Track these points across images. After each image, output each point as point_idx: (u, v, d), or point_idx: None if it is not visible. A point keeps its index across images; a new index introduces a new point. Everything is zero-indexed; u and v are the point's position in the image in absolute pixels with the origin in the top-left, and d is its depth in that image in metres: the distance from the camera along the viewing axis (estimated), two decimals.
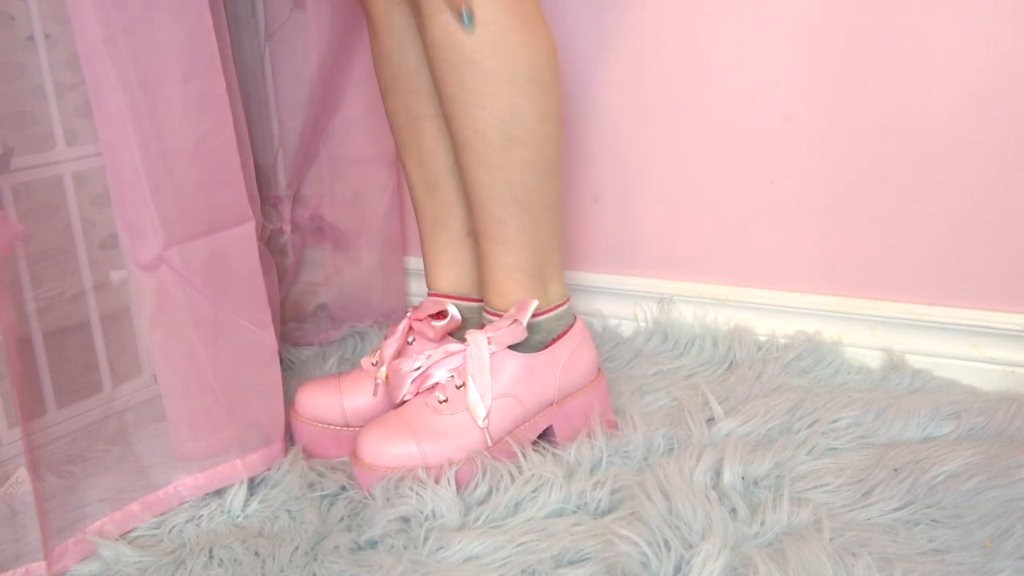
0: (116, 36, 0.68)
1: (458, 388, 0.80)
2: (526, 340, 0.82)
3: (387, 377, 0.86)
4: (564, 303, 0.87)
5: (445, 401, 0.80)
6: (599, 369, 0.89)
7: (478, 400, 0.79)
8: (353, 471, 0.79)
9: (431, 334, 0.88)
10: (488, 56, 0.75)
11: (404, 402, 0.83)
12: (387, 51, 0.87)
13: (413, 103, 0.88)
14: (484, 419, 0.79)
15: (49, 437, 0.80)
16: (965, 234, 0.95)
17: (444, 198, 0.91)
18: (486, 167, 0.79)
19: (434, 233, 0.93)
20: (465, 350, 0.81)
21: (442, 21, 0.74)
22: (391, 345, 0.88)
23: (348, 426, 0.86)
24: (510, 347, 0.81)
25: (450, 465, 0.77)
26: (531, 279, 0.84)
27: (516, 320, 0.81)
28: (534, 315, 0.83)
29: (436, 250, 0.93)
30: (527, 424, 0.82)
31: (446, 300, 0.89)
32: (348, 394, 0.87)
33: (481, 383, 0.79)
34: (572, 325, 0.87)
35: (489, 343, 0.81)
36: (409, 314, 0.90)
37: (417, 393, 0.82)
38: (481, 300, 0.92)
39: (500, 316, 0.83)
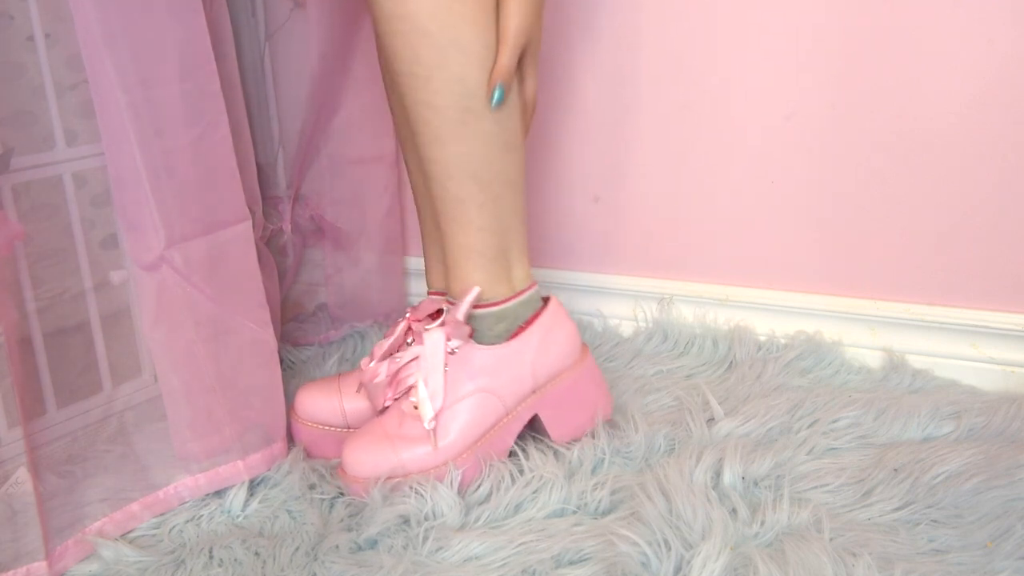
0: (115, 35, 0.68)
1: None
2: (490, 331, 0.80)
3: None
4: (530, 287, 0.83)
5: (417, 407, 0.78)
6: (583, 346, 0.86)
7: (426, 400, 0.76)
8: (342, 482, 0.78)
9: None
10: (441, 26, 0.72)
11: (385, 408, 0.81)
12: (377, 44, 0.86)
13: (394, 98, 0.88)
14: (431, 420, 0.76)
15: (49, 437, 0.80)
16: (965, 234, 0.95)
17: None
18: (442, 143, 0.76)
19: (429, 234, 0.92)
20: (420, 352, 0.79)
21: None
22: (384, 344, 0.88)
23: (349, 427, 0.86)
24: (477, 339, 0.79)
25: (453, 467, 0.76)
26: (493, 263, 0.80)
27: (452, 316, 0.77)
28: (498, 303, 0.80)
29: (434, 248, 0.93)
30: (509, 417, 0.80)
31: (443, 299, 0.89)
32: (348, 395, 0.87)
33: (434, 383, 0.77)
34: (542, 309, 0.84)
35: (449, 339, 0.78)
36: (407, 315, 0.90)
37: (395, 398, 0.81)
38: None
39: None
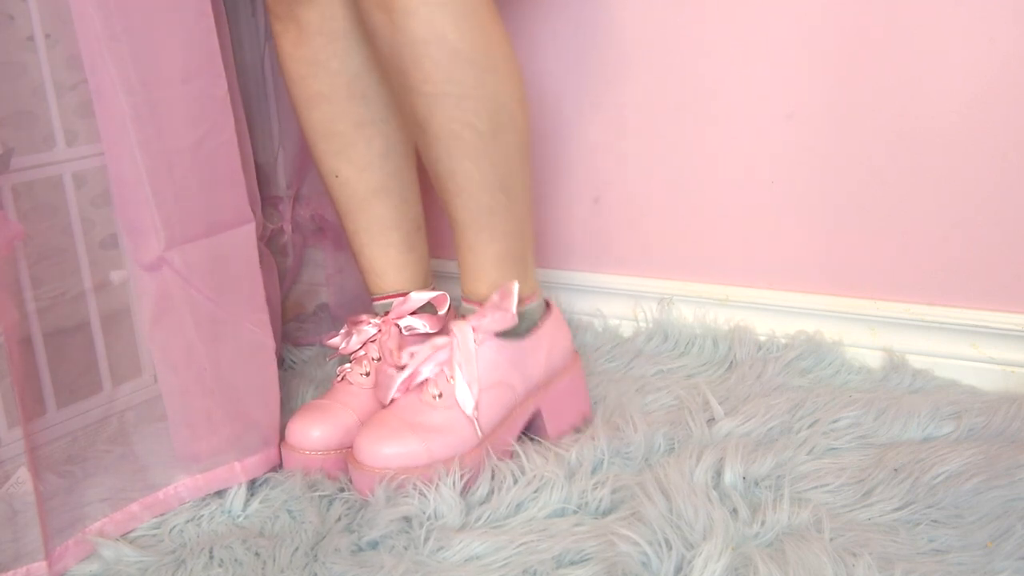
0: (117, 35, 0.68)
1: (449, 381, 0.80)
2: (514, 329, 0.82)
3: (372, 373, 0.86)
4: (538, 290, 0.88)
5: (440, 396, 0.79)
6: (575, 351, 0.91)
7: (466, 391, 0.79)
8: (351, 475, 0.78)
9: (432, 327, 0.88)
10: (472, 46, 0.75)
11: (392, 401, 0.81)
12: (325, 58, 0.86)
13: (357, 109, 0.88)
14: (473, 409, 0.78)
15: (49, 437, 0.80)
16: (965, 234, 0.95)
17: (395, 199, 0.92)
18: (475, 158, 0.78)
19: (384, 236, 0.93)
20: (450, 343, 0.81)
21: (423, 15, 0.73)
22: (387, 347, 0.87)
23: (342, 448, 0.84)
24: (498, 335, 0.81)
25: (460, 463, 0.76)
26: (517, 265, 0.84)
27: (502, 308, 0.80)
28: (520, 304, 0.83)
29: (388, 252, 0.93)
30: (519, 410, 0.83)
31: (405, 297, 0.91)
32: (337, 418, 0.84)
33: (468, 373, 0.79)
34: (548, 309, 0.89)
35: (475, 332, 0.80)
36: (378, 322, 0.90)
37: (408, 391, 0.81)
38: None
39: (480, 305, 0.83)
